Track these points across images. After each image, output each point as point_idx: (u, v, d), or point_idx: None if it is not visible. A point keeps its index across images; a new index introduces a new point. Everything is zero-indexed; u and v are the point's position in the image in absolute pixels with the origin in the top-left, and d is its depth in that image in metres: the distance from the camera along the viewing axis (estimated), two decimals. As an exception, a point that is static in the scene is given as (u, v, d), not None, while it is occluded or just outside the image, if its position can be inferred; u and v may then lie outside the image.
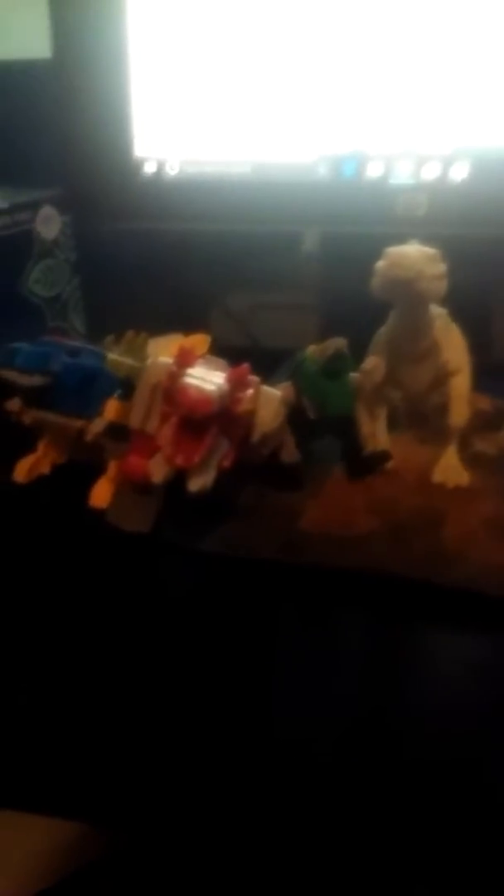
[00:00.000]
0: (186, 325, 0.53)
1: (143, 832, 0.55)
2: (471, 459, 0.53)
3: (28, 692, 0.41)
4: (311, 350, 0.50)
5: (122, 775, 0.38)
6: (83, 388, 0.48)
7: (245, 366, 0.43)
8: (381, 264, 0.45)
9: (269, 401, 0.45)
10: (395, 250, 0.45)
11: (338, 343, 0.48)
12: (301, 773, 0.36)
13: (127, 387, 0.47)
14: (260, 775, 0.36)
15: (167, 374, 0.42)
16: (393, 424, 0.55)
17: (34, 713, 0.40)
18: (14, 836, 0.59)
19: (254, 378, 0.44)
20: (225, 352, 0.46)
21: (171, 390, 0.42)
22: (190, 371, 0.42)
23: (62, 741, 0.39)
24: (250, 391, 0.44)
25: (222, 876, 0.57)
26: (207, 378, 0.41)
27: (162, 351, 0.46)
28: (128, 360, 0.50)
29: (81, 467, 0.51)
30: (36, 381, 0.47)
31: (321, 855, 0.36)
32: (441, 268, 0.46)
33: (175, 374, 0.42)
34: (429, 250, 0.46)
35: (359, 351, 0.51)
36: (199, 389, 0.40)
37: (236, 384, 0.42)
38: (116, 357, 0.50)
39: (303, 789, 0.36)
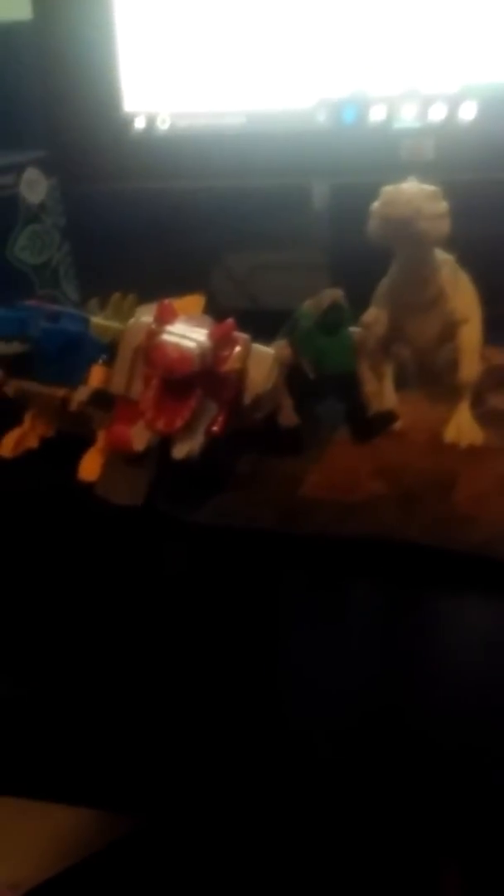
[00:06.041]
0: (185, 288, 0.50)
1: (148, 816, 0.54)
2: (485, 417, 0.50)
3: (22, 675, 0.39)
4: (307, 305, 0.46)
5: (125, 758, 0.36)
6: (66, 354, 0.46)
7: (230, 321, 0.40)
8: (376, 205, 0.42)
9: (261, 360, 0.42)
10: (390, 188, 0.42)
11: (333, 294, 0.45)
12: (312, 752, 0.34)
13: (113, 352, 0.44)
14: (268, 754, 0.34)
15: (147, 333, 0.39)
16: (402, 383, 0.52)
17: (30, 696, 0.38)
18: (19, 823, 0.58)
19: (242, 335, 0.41)
20: (226, 314, 0.44)
21: (150, 350, 0.39)
22: (169, 328, 0.39)
23: (60, 725, 0.37)
24: (237, 349, 0.40)
25: (231, 860, 0.55)
26: (188, 335, 0.38)
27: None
28: (114, 324, 0.47)
29: (72, 439, 0.49)
30: (13, 348, 0.45)
31: (340, 832, 0.34)
32: (442, 206, 0.42)
33: (154, 333, 0.39)
34: (428, 187, 0.42)
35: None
36: (178, 347, 0.37)
37: (220, 341, 0.39)
38: (101, 321, 0.48)
39: (314, 768, 0.34)
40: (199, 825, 0.49)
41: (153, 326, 0.39)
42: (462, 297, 0.47)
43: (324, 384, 0.47)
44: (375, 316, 0.47)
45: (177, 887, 0.57)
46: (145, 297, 0.52)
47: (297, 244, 0.74)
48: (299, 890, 0.55)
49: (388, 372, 0.51)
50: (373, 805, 0.33)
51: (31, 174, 0.63)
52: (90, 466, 0.47)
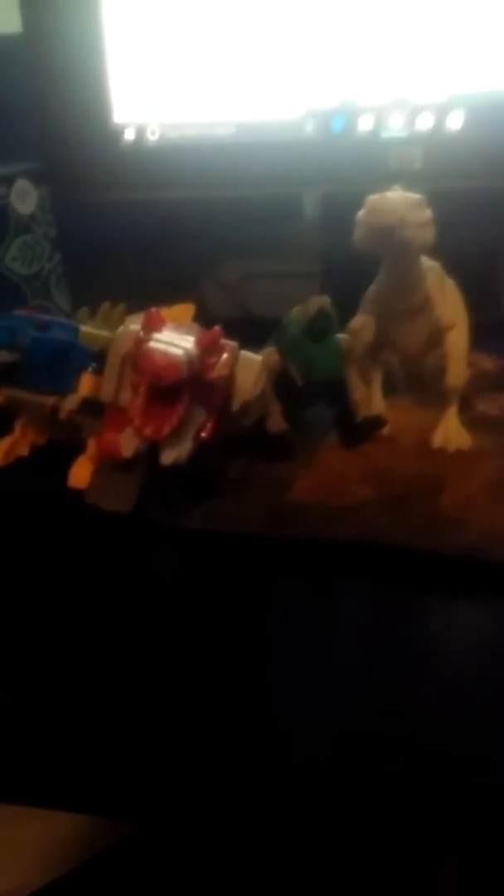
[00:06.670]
0: (177, 298, 0.51)
1: (144, 822, 0.54)
2: (473, 422, 0.50)
3: (14, 681, 0.39)
4: (295, 312, 0.47)
5: (120, 764, 0.37)
6: (55, 363, 0.46)
7: (217, 328, 0.40)
8: (361, 213, 0.42)
9: (249, 367, 0.43)
10: (375, 197, 0.42)
11: (321, 301, 0.45)
12: (307, 753, 0.34)
13: (103, 360, 0.45)
14: (262, 756, 0.35)
15: (134, 341, 0.40)
16: (390, 389, 0.52)
17: (23, 702, 0.38)
18: (14, 830, 0.58)
19: (229, 342, 0.42)
20: (218, 323, 0.44)
21: (137, 357, 0.39)
22: (157, 336, 0.39)
23: (53, 731, 0.37)
24: (225, 356, 0.41)
25: (229, 856, 0.55)
26: (175, 342, 0.38)
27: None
28: (103, 332, 0.47)
29: (62, 447, 0.49)
30: (3, 357, 0.45)
31: (338, 832, 0.35)
32: (427, 214, 0.43)
33: (141, 340, 0.39)
34: (413, 196, 0.42)
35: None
36: (165, 354, 0.37)
37: (207, 348, 0.40)
38: (90, 329, 0.48)
39: (309, 769, 0.34)
40: (196, 828, 0.49)
41: (141, 334, 0.40)
42: (448, 303, 0.48)
43: (312, 390, 0.47)
44: (363, 323, 0.47)
45: (174, 892, 0.57)
46: (137, 306, 0.53)
47: (288, 253, 0.75)
48: (298, 889, 0.55)
49: (376, 378, 0.51)
50: (370, 805, 0.33)
51: (22, 185, 0.63)
52: (80, 474, 0.47)
